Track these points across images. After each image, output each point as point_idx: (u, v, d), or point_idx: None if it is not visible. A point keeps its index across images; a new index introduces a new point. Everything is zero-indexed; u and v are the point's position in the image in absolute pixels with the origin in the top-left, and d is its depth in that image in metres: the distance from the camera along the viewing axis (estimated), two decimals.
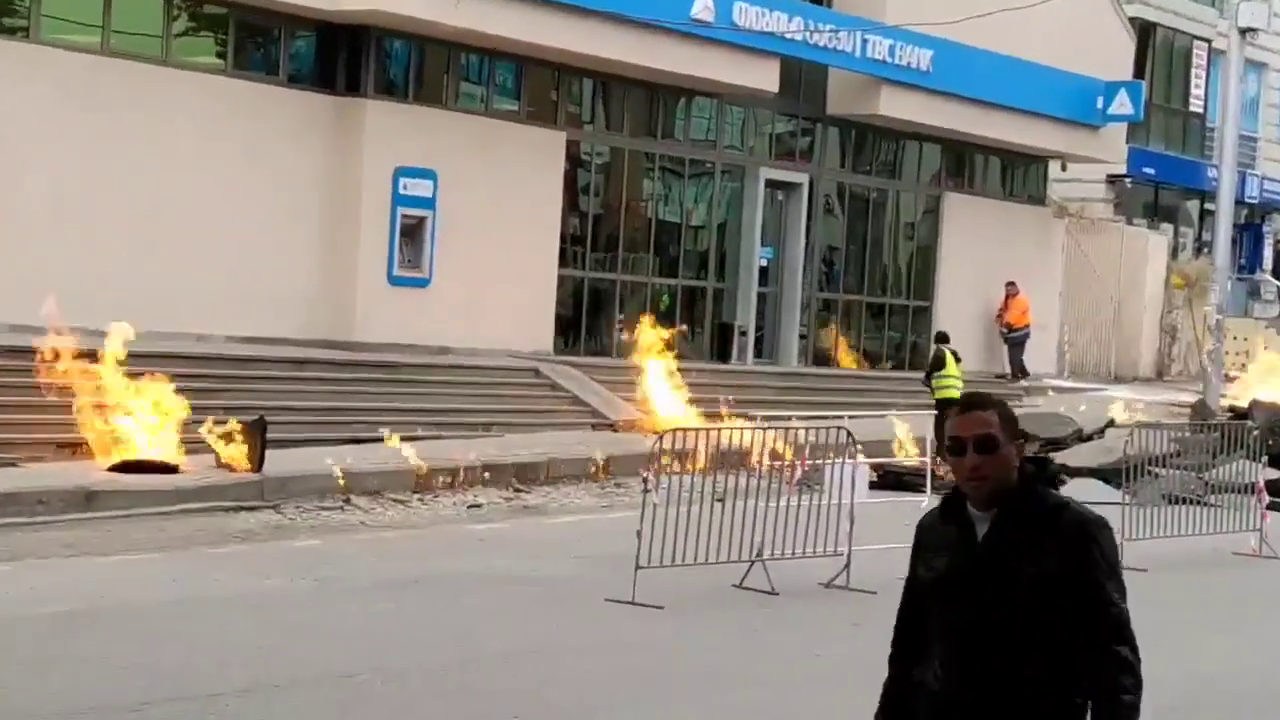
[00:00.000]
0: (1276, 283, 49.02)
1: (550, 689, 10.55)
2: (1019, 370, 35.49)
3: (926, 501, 16.01)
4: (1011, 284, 35.34)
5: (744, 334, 30.35)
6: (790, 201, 31.40)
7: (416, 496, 18.86)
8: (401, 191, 25.13)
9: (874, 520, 15.38)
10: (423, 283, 25.47)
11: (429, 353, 24.94)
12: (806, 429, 15.30)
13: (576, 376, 25.76)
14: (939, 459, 18.97)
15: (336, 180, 24.71)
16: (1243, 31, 31.59)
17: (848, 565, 14.60)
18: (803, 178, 31.53)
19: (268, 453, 17.96)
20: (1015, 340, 35.39)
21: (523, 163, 26.66)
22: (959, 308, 33.65)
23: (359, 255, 24.88)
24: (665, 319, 29.76)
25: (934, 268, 34.47)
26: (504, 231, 26.35)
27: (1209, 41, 44.00)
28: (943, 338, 26.04)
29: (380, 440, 20.52)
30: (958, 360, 25.12)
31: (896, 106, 31.45)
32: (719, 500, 14.18)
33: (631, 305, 28.54)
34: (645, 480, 13.96)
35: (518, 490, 19.88)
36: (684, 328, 28.29)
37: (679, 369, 25.31)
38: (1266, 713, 11.34)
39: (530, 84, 27.37)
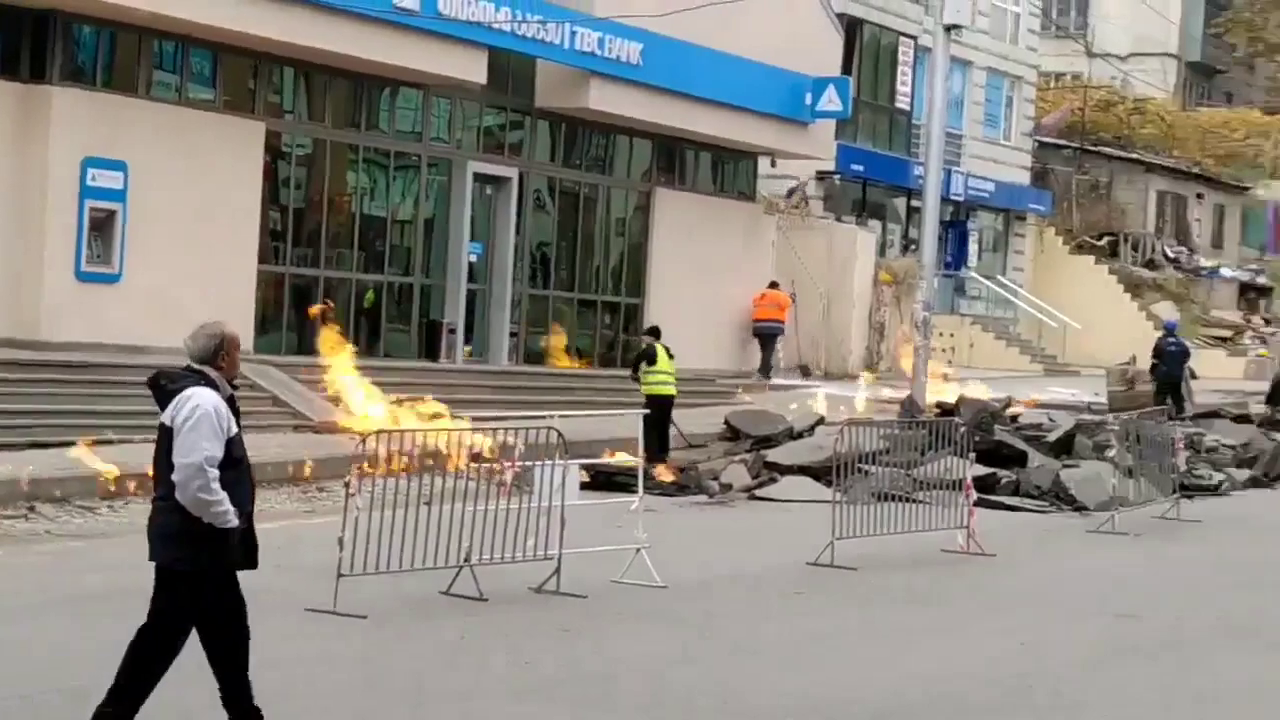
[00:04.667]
0: (982, 280, 49.88)
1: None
2: (764, 367, 35.61)
3: (638, 502, 15.63)
4: (774, 282, 36.13)
5: (453, 331, 29.72)
6: (499, 196, 30.85)
7: (106, 504, 17.95)
8: (90, 183, 24.01)
9: (585, 522, 15.00)
10: (113, 279, 24.39)
11: (121, 352, 23.78)
12: (516, 429, 14.77)
13: (277, 376, 24.87)
14: (648, 457, 18.61)
15: (20, 171, 23.53)
16: (948, 29, 31.71)
17: (558, 569, 14.19)
18: (512, 172, 31.01)
19: None
20: (761, 333, 35.69)
21: (220, 154, 25.72)
22: (672, 304, 33.41)
23: (45, 250, 23.72)
24: (371, 316, 29.12)
25: (646, 264, 34.22)
26: (200, 225, 25.39)
27: (915, 39, 44.49)
28: (654, 332, 25.68)
29: (69, 445, 19.49)
30: (670, 356, 24.78)
31: (606, 100, 31.11)
32: (426, 504, 13.64)
33: (336, 302, 27.69)
34: (348, 484, 13.36)
35: None
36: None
37: (361, 368, 24.51)
38: (984, 711, 11.14)
39: (227, 72, 26.38)
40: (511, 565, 14.07)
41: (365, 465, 13.58)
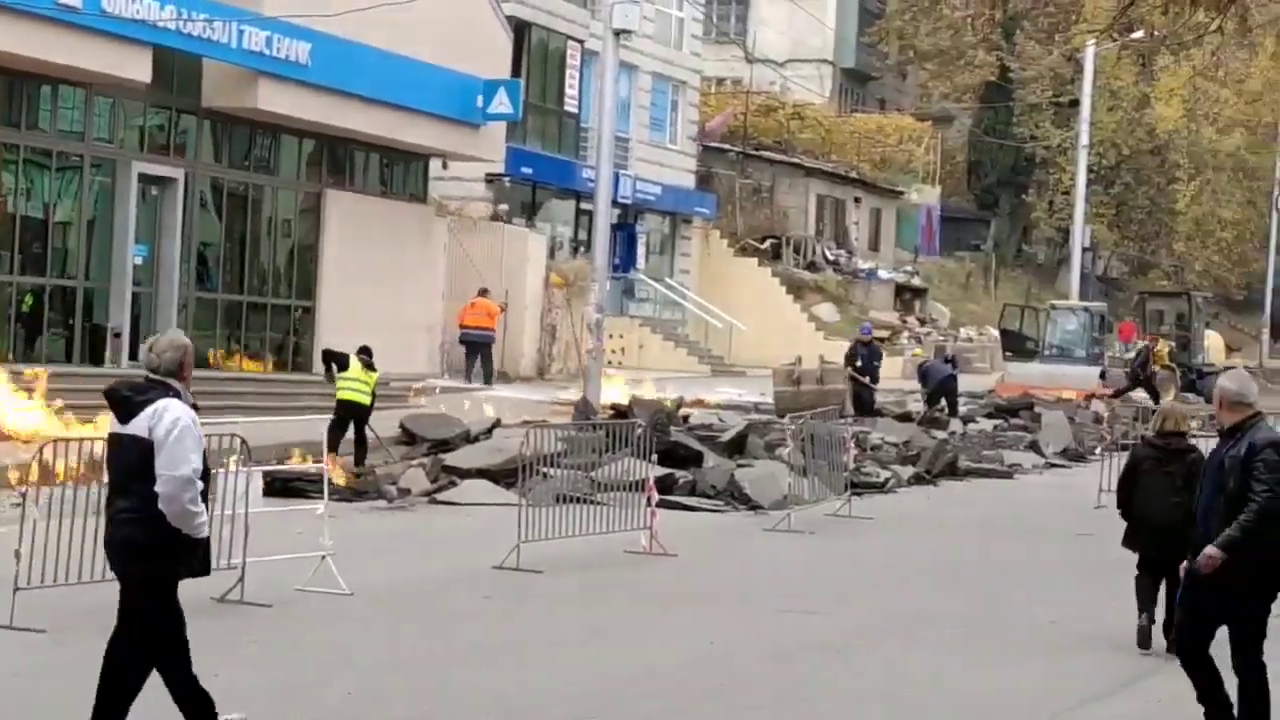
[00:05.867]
0: (651, 282, 50.40)
1: None
2: (485, 375, 36.07)
3: (323, 508, 15.40)
4: (483, 289, 36.92)
5: (118, 335, 28.93)
6: (165, 197, 30.13)
7: None
8: None
9: (268, 529, 14.73)
10: None
11: None
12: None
13: None
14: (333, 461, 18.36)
15: None
16: (617, 33, 32.09)
17: (242, 578, 13.89)
18: (178, 173, 30.30)
19: None
20: (471, 341, 36.29)
21: None
22: (343, 307, 33.03)
23: None
24: (30, 321, 28.20)
25: (316, 266, 33.76)
26: None
27: (582, 42, 44.75)
28: (365, 351, 24.92)
29: None
30: (369, 368, 24.28)
31: (275, 100, 30.61)
32: (95, 514, 13.20)
33: None
34: (24, 494, 12.89)
35: None
36: None
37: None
38: (681, 711, 11.23)
39: None
40: None
41: (30, 474, 13.15)
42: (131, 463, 8.76)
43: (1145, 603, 13.64)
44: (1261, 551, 9.74)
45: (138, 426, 8.77)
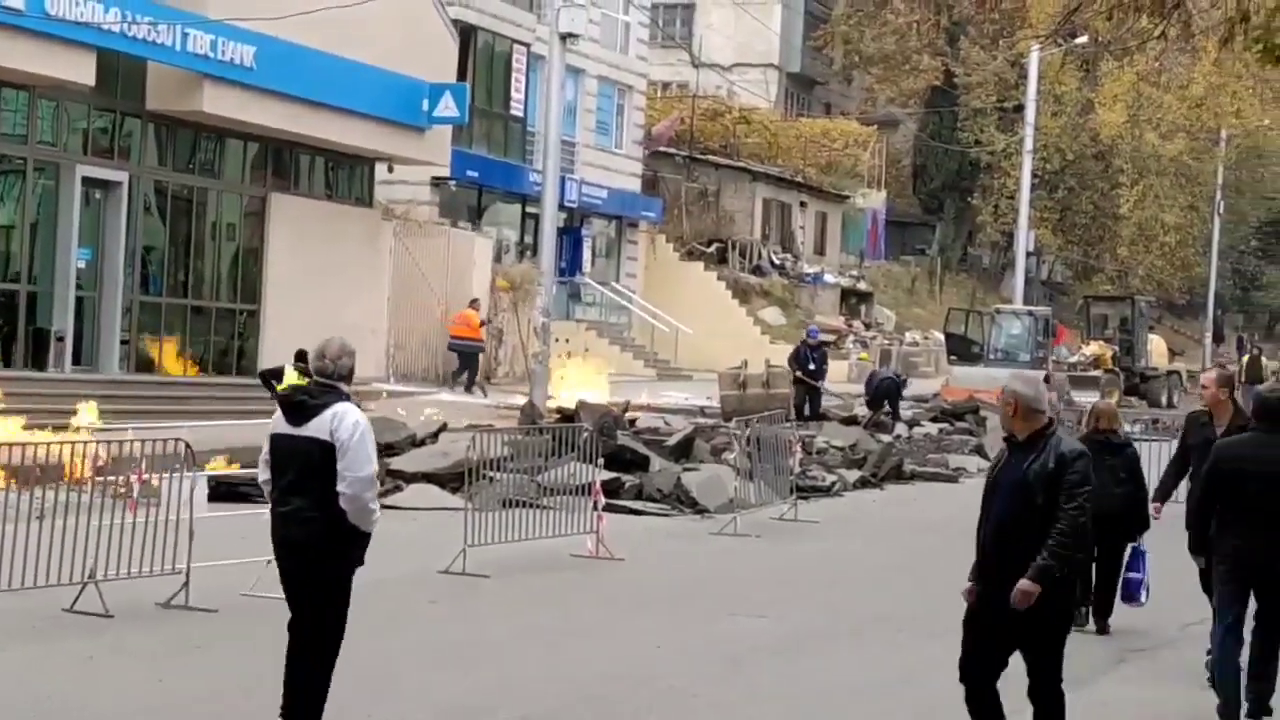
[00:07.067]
0: (597, 286, 50.40)
1: None
2: (456, 377, 37.05)
3: (268, 513, 15.31)
4: (474, 300, 38.16)
5: (61, 339, 28.75)
6: (109, 201, 29.94)
7: None
8: None
9: (213, 535, 14.67)
10: None
11: None
12: (141, 440, 14.35)
13: None
14: None
15: None
16: (563, 37, 32.07)
17: (187, 583, 13.83)
18: (122, 176, 30.11)
19: None
20: (458, 350, 37.44)
21: None
22: (288, 311, 32.86)
23: None
24: None
25: (262, 270, 33.61)
26: None
27: (528, 46, 44.72)
28: (300, 356, 24.84)
29: None
30: (306, 374, 24.18)
31: (219, 103, 30.44)
32: (39, 518, 13.16)
33: None
34: None
35: None
36: None
37: None
38: (630, 715, 11.24)
39: None
40: (137, 580, 13.68)
41: None
42: (313, 463, 9.19)
43: (1085, 594, 14.09)
44: (1067, 573, 9.02)
45: (317, 429, 9.23)
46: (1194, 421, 13.23)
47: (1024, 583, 8.82)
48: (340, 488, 9.16)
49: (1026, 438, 9.13)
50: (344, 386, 9.40)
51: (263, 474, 9.73)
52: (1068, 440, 9.28)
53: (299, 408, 9.31)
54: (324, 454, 9.17)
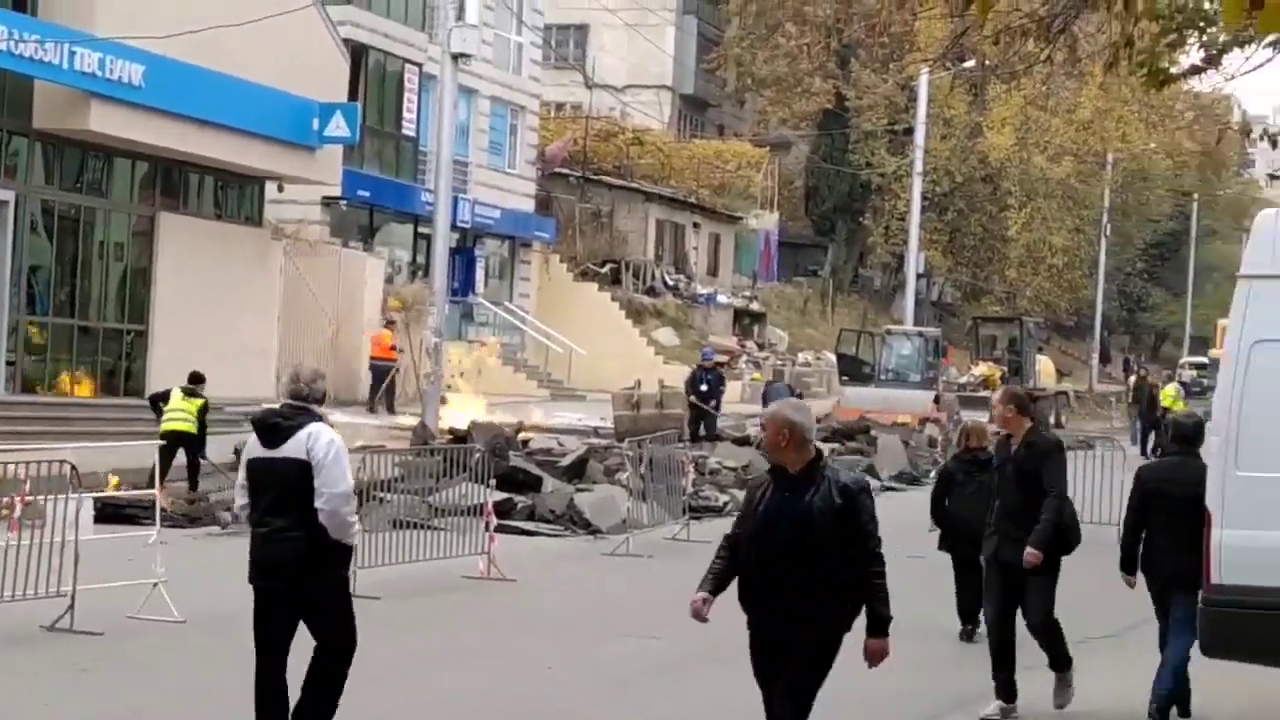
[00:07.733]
0: (490, 306, 50.27)
1: None
2: (387, 402, 37.32)
3: (155, 535, 15.18)
4: (389, 321, 38.86)
5: None
6: None
7: None
8: None
9: (99, 557, 14.50)
10: None
11: None
12: (25, 462, 14.16)
13: None
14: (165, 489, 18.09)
15: None
16: (455, 57, 31.97)
17: (72, 606, 13.67)
18: (9, 195, 29.78)
19: None
20: (376, 370, 37.97)
21: None
22: (177, 332, 32.56)
23: None
24: None
25: (149, 290, 33.29)
26: None
27: (420, 66, 44.58)
28: (194, 378, 24.60)
29: None
30: (191, 395, 23.96)
31: (107, 122, 30.16)
32: None
33: None
34: None
35: None
36: None
37: None
38: None
39: None
40: (20, 602, 13.51)
41: None
42: (291, 482, 9.41)
43: (966, 608, 14.93)
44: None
45: (294, 449, 9.45)
46: (999, 445, 13.37)
47: (873, 642, 8.67)
48: (319, 504, 9.41)
49: (800, 469, 8.55)
50: (316, 408, 9.65)
51: (240, 499, 9.97)
52: (845, 472, 8.91)
53: (273, 430, 9.54)
54: (301, 473, 9.40)
